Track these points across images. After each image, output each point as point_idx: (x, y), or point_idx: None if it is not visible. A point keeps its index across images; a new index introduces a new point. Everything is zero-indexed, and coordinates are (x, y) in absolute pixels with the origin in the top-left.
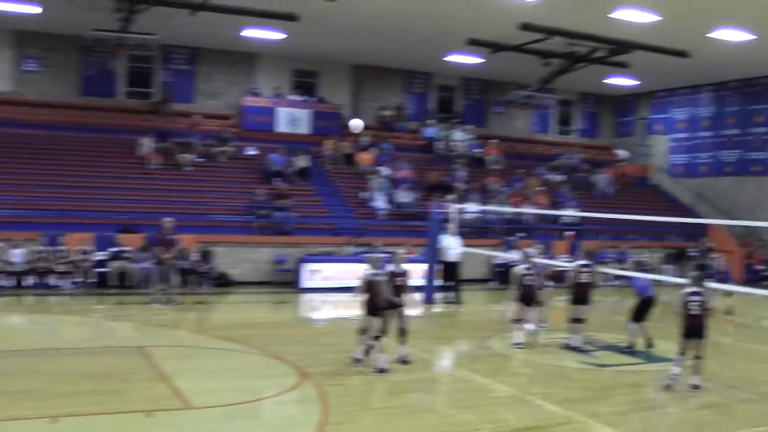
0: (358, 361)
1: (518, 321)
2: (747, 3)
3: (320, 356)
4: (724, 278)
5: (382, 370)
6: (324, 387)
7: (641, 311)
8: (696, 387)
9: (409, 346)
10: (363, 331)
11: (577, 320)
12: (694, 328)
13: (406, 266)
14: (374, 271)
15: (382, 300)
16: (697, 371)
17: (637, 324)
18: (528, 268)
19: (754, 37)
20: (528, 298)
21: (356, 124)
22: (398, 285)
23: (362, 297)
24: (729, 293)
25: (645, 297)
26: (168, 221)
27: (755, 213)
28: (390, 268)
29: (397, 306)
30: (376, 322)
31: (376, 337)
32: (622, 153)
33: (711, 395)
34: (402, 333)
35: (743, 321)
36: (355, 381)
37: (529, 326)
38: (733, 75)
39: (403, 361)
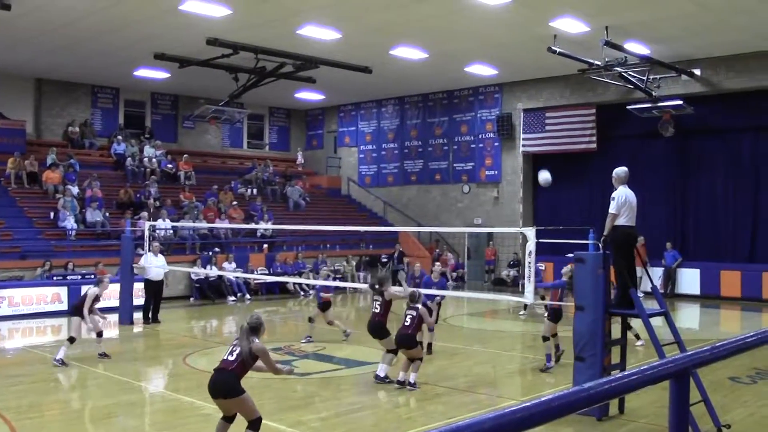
0: None
1: None
2: (419, 22)
3: (10, 388)
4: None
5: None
6: (16, 421)
7: None
8: (411, 385)
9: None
10: None
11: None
12: (400, 339)
13: None
14: None
15: None
16: (414, 370)
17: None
18: None
19: (427, 55)
20: None
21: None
22: None
23: None
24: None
25: None
26: None
27: (440, 218)
28: None
29: None
30: None
31: None
32: (299, 158)
33: (409, 393)
34: None
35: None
36: (53, 411)
37: None
38: (414, 90)
39: None
